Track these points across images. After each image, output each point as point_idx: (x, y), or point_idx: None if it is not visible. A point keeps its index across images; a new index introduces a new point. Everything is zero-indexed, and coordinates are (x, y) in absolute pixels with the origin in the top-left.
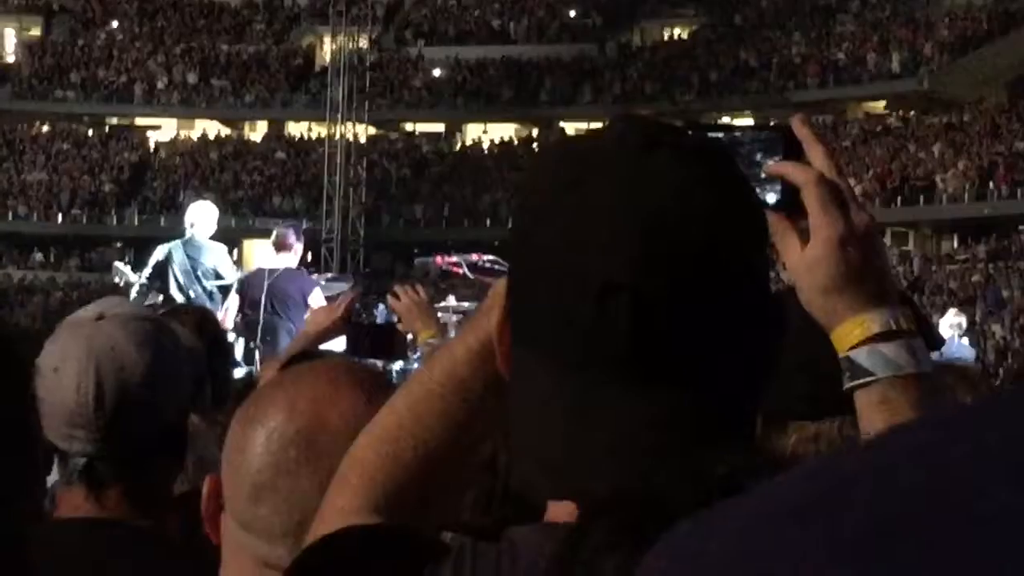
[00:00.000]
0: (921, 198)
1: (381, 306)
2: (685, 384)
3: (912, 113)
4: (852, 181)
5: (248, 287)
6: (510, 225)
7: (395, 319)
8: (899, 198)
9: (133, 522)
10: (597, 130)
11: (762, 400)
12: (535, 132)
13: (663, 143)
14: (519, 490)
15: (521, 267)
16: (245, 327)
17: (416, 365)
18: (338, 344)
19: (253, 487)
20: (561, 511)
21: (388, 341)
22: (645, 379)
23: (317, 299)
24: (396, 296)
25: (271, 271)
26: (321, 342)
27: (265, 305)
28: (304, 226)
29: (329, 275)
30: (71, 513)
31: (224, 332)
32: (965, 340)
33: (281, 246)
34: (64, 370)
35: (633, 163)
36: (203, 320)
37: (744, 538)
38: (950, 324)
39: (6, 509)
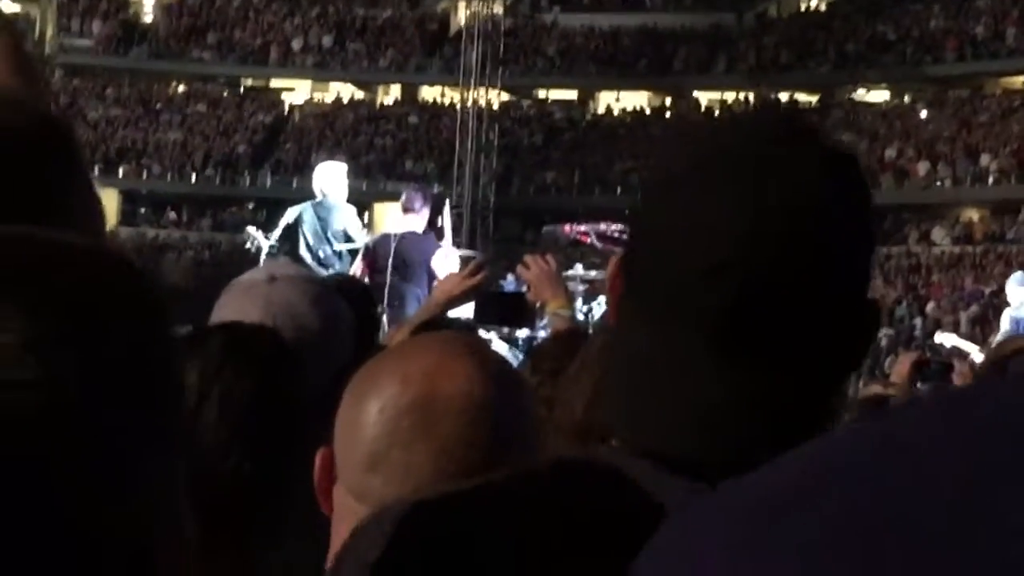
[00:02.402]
0: None
1: (510, 276)
2: (777, 366)
3: None
4: (988, 157)
5: (374, 251)
6: (640, 185)
7: (524, 288)
8: None
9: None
10: (739, 115)
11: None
12: (668, 101)
13: (796, 141)
14: (602, 427)
15: (642, 227)
16: (372, 291)
17: (543, 333)
18: (466, 311)
19: (367, 457)
20: None
21: (516, 309)
22: (740, 355)
23: (440, 263)
24: (526, 265)
25: (396, 235)
26: (449, 308)
27: (391, 269)
28: (435, 191)
29: (463, 251)
30: None
31: (375, 302)
32: None
33: (408, 209)
34: None
35: (763, 154)
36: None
37: (723, 542)
38: (1019, 297)
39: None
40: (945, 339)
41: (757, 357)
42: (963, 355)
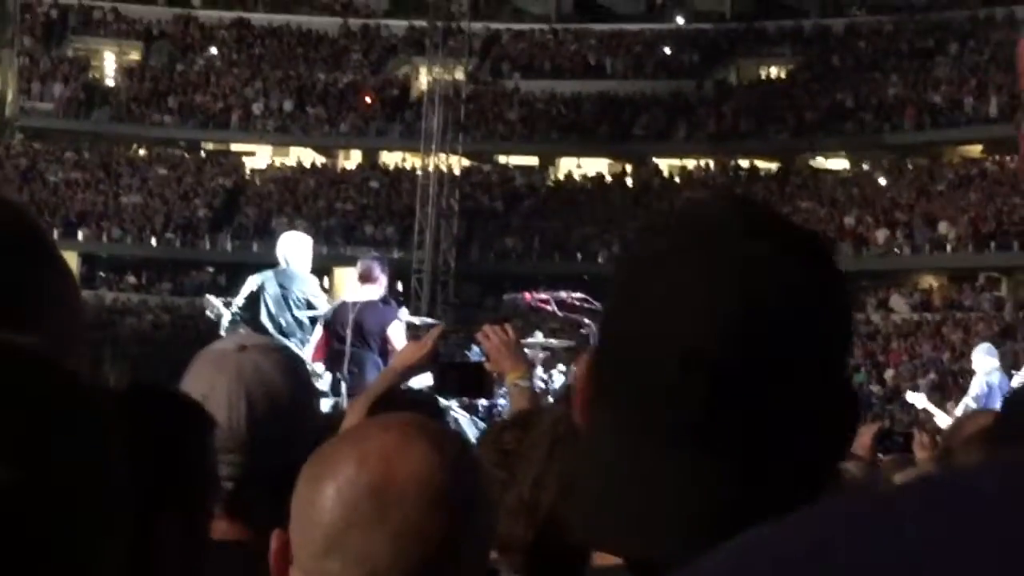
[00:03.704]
0: (1015, 244)
1: (475, 348)
2: (754, 461)
3: (1009, 158)
4: (946, 224)
5: (333, 320)
6: (609, 282)
7: (484, 358)
8: (992, 243)
9: None
10: (706, 205)
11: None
12: (629, 167)
13: (765, 232)
14: (577, 539)
15: (612, 325)
16: (331, 359)
17: (502, 401)
18: (425, 380)
19: (324, 541)
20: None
21: (475, 379)
22: (716, 451)
23: (396, 331)
24: (486, 335)
25: (355, 304)
26: (407, 378)
27: (350, 337)
28: (393, 255)
29: (419, 319)
30: (219, 537)
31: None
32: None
33: (366, 278)
34: (214, 397)
35: (733, 246)
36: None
37: None
38: (986, 369)
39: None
40: (916, 399)
41: (734, 449)
42: (928, 418)
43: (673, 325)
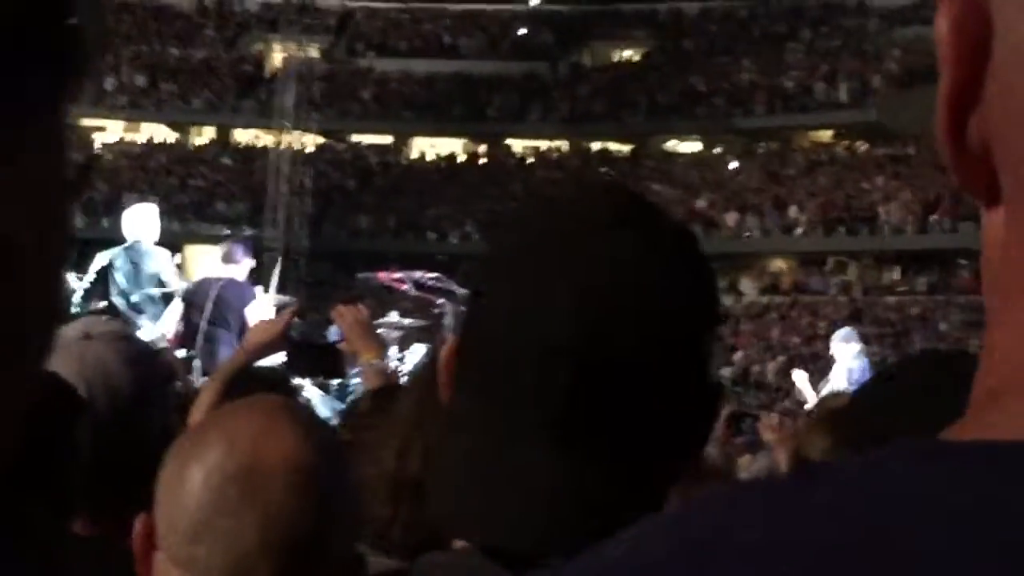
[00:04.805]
0: (864, 228)
1: (333, 328)
2: (611, 453)
3: (858, 143)
4: (796, 209)
5: (193, 296)
6: (475, 273)
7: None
8: (842, 227)
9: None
10: (574, 196)
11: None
12: (483, 148)
13: (631, 222)
14: (434, 521)
15: (476, 315)
16: (186, 335)
17: (355, 382)
18: (278, 359)
19: (191, 526)
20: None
21: (327, 359)
22: (574, 443)
23: (255, 311)
24: (340, 315)
25: (216, 280)
26: (259, 357)
27: (209, 314)
28: (245, 233)
29: (277, 297)
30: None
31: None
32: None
33: (229, 260)
34: None
35: (597, 238)
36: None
37: None
38: (847, 356)
39: None
40: (798, 378)
41: (595, 444)
42: (771, 401)
43: (535, 321)
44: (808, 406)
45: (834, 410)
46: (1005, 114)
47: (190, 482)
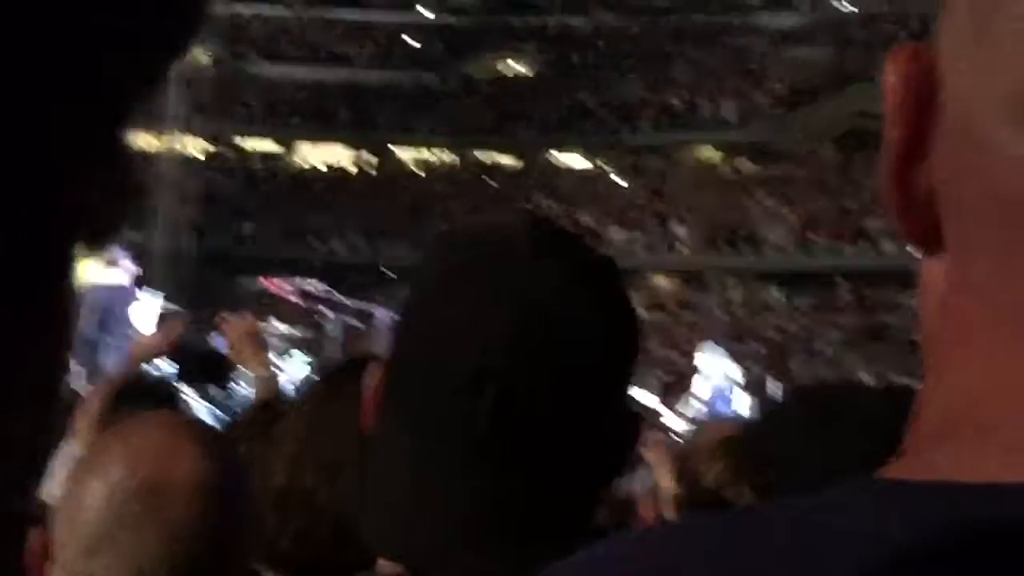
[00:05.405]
0: (746, 247)
1: (215, 334)
2: (534, 478)
3: (743, 162)
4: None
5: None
6: (402, 300)
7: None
8: (724, 245)
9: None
10: (497, 223)
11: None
12: (371, 158)
13: (556, 252)
14: (365, 542)
15: (404, 339)
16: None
17: (242, 391)
18: (168, 366)
19: (90, 540)
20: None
21: (214, 366)
22: (499, 464)
23: (138, 316)
24: (227, 324)
25: (97, 286)
26: (146, 361)
27: (91, 320)
28: (128, 238)
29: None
30: None
31: None
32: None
33: (112, 263)
34: None
35: (520, 265)
36: None
37: None
38: (712, 370)
39: None
40: (645, 399)
41: (518, 469)
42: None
43: (461, 344)
44: (666, 421)
45: (729, 437)
46: (952, 167)
47: (91, 496)
